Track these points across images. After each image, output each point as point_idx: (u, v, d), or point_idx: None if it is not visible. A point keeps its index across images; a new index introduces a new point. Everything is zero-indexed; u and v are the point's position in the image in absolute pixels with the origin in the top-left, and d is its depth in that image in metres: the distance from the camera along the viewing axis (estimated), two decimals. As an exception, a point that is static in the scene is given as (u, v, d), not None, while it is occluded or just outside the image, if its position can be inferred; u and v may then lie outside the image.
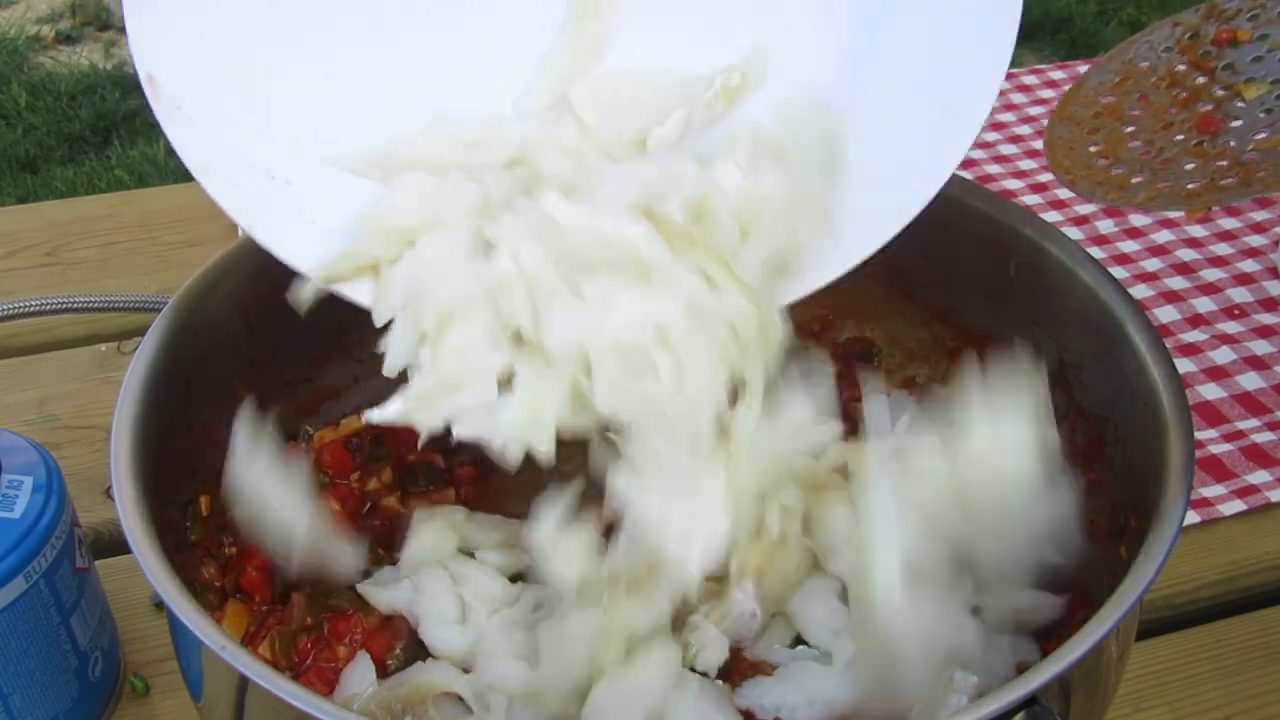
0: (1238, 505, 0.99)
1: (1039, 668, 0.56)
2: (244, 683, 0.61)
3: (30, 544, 0.74)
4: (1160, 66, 0.78)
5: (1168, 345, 0.74)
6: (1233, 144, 0.71)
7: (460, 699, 0.71)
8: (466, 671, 0.72)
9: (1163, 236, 1.29)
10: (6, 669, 0.76)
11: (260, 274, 0.84)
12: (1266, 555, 0.96)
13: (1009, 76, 1.59)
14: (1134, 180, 0.72)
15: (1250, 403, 1.09)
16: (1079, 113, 0.79)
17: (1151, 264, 1.26)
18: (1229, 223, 1.32)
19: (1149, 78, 0.78)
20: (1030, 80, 1.58)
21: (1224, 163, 0.70)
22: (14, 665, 0.76)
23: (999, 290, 0.87)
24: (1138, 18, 3.72)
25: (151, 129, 3.16)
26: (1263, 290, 1.22)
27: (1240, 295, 1.21)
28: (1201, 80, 0.76)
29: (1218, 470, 1.02)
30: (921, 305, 0.93)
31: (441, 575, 0.77)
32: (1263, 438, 1.05)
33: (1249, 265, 1.25)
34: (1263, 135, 0.70)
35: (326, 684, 0.74)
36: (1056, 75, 1.60)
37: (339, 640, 0.75)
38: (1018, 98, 1.55)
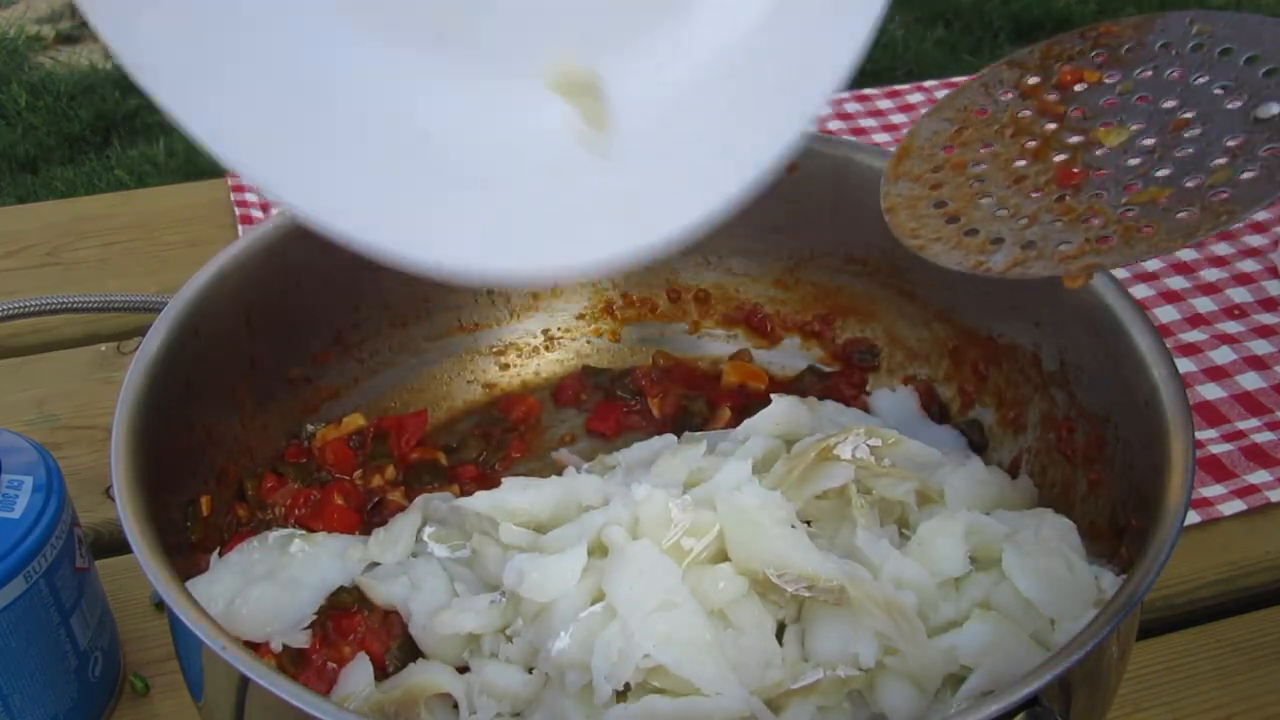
0: (1238, 505, 0.99)
1: (1040, 668, 0.56)
2: (244, 683, 0.61)
3: (30, 544, 0.74)
4: (1002, 114, 0.70)
5: (1168, 345, 0.74)
6: (1103, 197, 0.63)
7: (452, 704, 0.71)
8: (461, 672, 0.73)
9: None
10: (6, 669, 0.76)
11: (260, 274, 0.84)
12: (1266, 555, 0.97)
13: (1009, 76, 1.59)
14: (992, 244, 0.64)
15: (1250, 403, 1.09)
16: (916, 168, 0.69)
17: (1151, 264, 1.26)
18: (1229, 223, 1.32)
19: (990, 126, 0.69)
20: (1030, 80, 1.58)
21: (1097, 220, 0.62)
22: (14, 665, 0.76)
23: (999, 290, 0.87)
24: (1138, 18, 3.72)
25: (151, 129, 3.17)
26: (1263, 290, 1.22)
27: (1240, 295, 1.21)
28: (1051, 127, 0.67)
29: (1218, 470, 1.02)
30: (921, 305, 0.93)
31: (437, 568, 0.77)
32: (1263, 438, 1.05)
33: (1249, 265, 1.25)
34: (1138, 187, 0.62)
35: (326, 684, 0.74)
36: (1056, 75, 1.60)
37: (343, 639, 0.75)
38: (1018, 98, 1.55)
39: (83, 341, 1.18)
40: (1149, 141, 0.64)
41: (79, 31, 3.77)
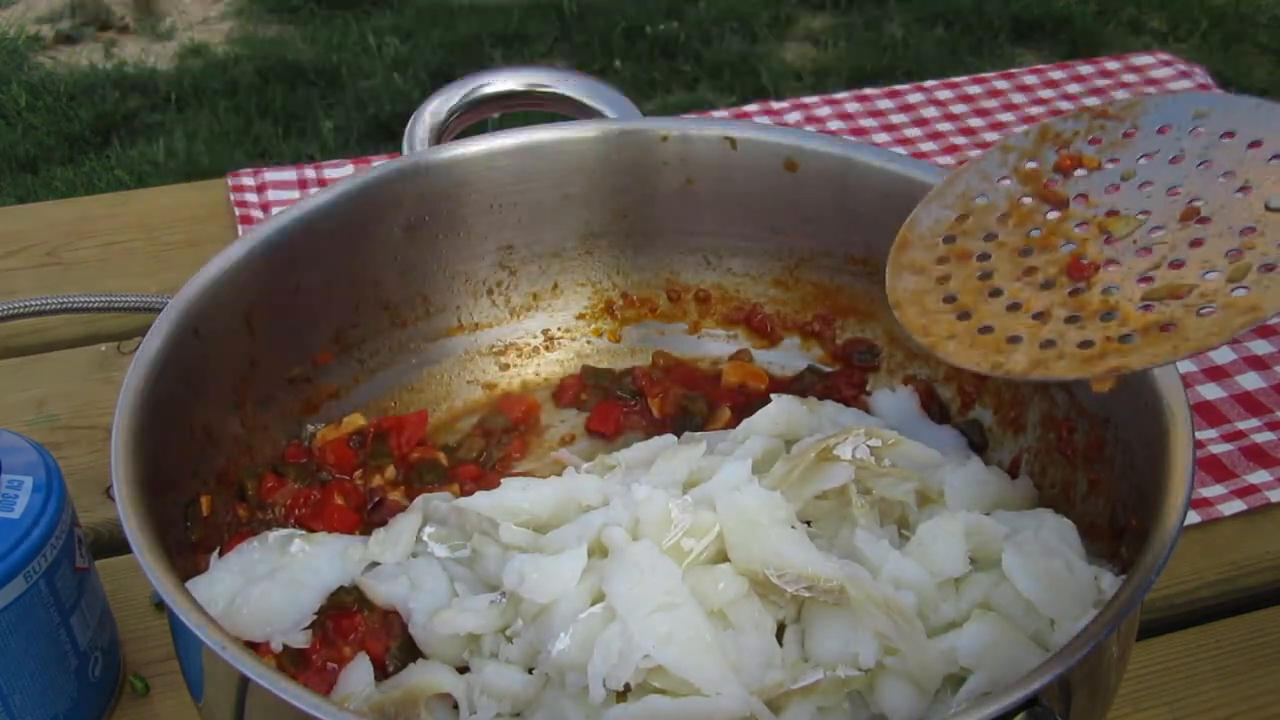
0: (1238, 505, 0.99)
1: (1040, 668, 0.56)
2: (244, 683, 0.61)
3: (30, 544, 0.74)
4: (1001, 201, 0.67)
5: (1168, 345, 0.73)
6: (1119, 292, 0.61)
7: (452, 704, 0.71)
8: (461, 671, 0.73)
9: None
10: (6, 669, 0.76)
11: (260, 274, 0.84)
12: (1266, 555, 0.97)
13: (1009, 76, 1.59)
14: (1009, 342, 0.61)
15: (1250, 403, 1.09)
16: (920, 258, 0.67)
17: (1151, 264, 1.26)
18: (1229, 223, 1.32)
19: (991, 214, 0.67)
20: (1030, 80, 1.58)
21: (1115, 317, 0.60)
22: (14, 665, 0.76)
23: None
24: (1137, 18, 3.72)
25: (151, 129, 3.17)
26: (1263, 290, 1.22)
27: (1240, 295, 1.21)
28: (1053, 215, 0.65)
29: (1218, 470, 1.02)
30: (922, 305, 0.93)
31: (437, 568, 0.77)
32: (1263, 438, 1.05)
33: (1249, 265, 1.25)
34: (1154, 281, 0.60)
35: (326, 684, 0.74)
36: (1056, 75, 1.60)
37: (343, 639, 0.75)
38: (1018, 98, 1.55)
39: (83, 341, 1.18)
40: (1158, 232, 0.62)
41: (79, 31, 3.77)
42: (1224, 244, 0.60)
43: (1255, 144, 0.62)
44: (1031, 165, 0.68)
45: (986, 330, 0.63)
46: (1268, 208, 0.60)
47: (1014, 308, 0.63)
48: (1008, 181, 0.68)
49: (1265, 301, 0.57)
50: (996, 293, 0.64)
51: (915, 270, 0.67)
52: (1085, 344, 0.60)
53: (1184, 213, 0.62)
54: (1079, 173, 0.67)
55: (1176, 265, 0.61)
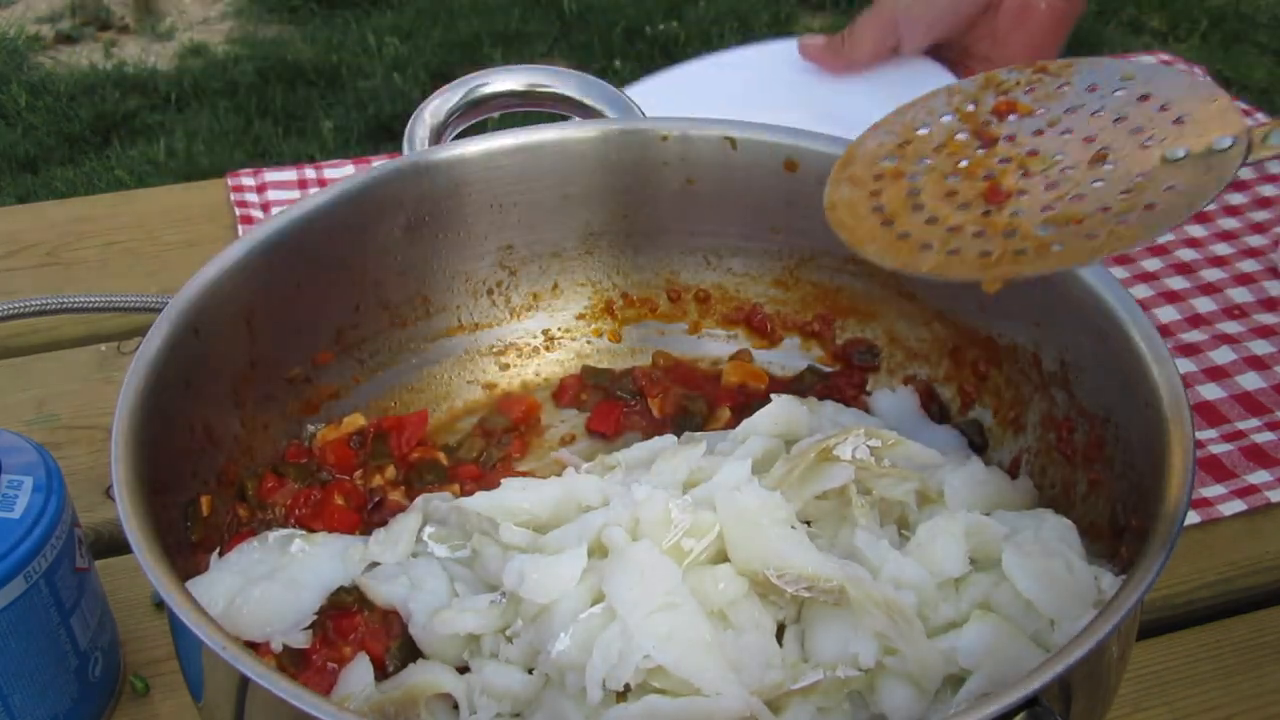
0: (1238, 505, 0.99)
1: (1040, 668, 0.56)
2: (244, 683, 0.61)
3: (30, 544, 0.74)
4: (939, 134, 0.75)
5: (1168, 345, 0.74)
6: (1024, 215, 0.68)
7: (452, 704, 0.71)
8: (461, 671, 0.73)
9: (1163, 237, 1.29)
10: (6, 669, 0.76)
11: (260, 274, 0.84)
12: (1266, 555, 0.97)
13: (1009, 76, 1.59)
14: (921, 249, 0.69)
15: (1250, 403, 1.09)
16: (859, 173, 0.75)
17: (1151, 264, 1.26)
18: (1229, 223, 1.32)
19: (929, 143, 0.75)
20: (1030, 80, 1.58)
21: (1014, 234, 0.67)
22: (14, 665, 0.76)
23: (999, 290, 0.87)
24: (1137, 17, 3.72)
25: (151, 129, 3.17)
26: (1263, 290, 1.22)
27: (1240, 295, 1.21)
28: (982, 151, 0.73)
29: (1218, 470, 1.02)
30: (921, 305, 0.93)
31: (437, 568, 0.77)
32: (1263, 438, 1.05)
33: (1249, 265, 1.25)
34: (1056, 209, 0.67)
35: (326, 684, 0.74)
36: (1056, 75, 1.60)
37: (343, 639, 0.75)
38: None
39: (83, 341, 1.18)
40: (1069, 171, 0.69)
41: (79, 31, 3.77)
42: (1120, 185, 0.67)
43: (1165, 107, 0.69)
44: (971, 107, 0.75)
45: (904, 236, 0.70)
46: (1164, 159, 0.67)
47: (932, 221, 0.70)
48: (949, 118, 0.75)
49: (1141, 233, 0.64)
50: (919, 208, 0.72)
51: (853, 183, 0.74)
52: (985, 254, 0.68)
53: (1093, 156, 0.69)
54: (1011, 117, 0.74)
55: (1078, 198, 0.68)
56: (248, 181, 1.37)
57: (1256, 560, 0.96)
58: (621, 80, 1.30)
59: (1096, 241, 0.65)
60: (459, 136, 1.02)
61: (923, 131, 0.75)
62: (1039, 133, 0.72)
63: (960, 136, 0.74)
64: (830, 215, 0.73)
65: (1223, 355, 1.13)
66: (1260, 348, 1.14)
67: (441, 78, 3.12)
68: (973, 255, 0.68)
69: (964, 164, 0.72)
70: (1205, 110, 0.68)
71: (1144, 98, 0.70)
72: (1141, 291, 1.21)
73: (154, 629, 0.90)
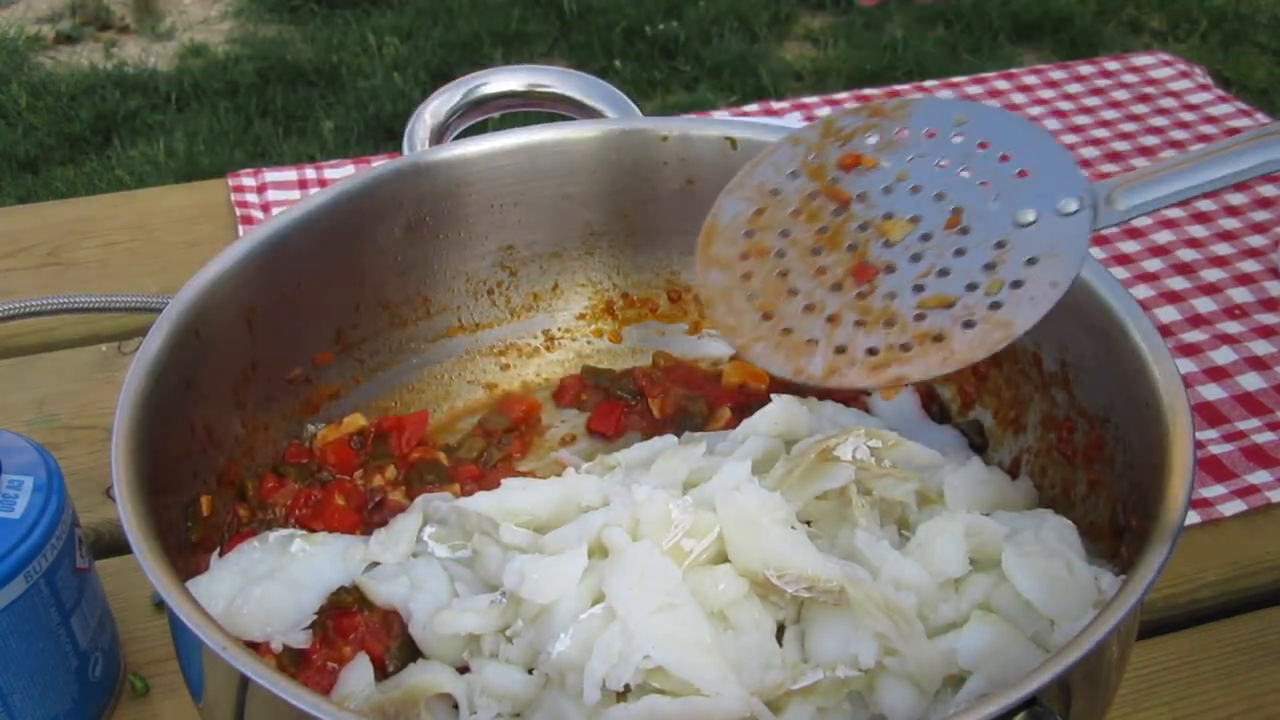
0: (1238, 505, 0.99)
1: (1040, 668, 0.56)
2: (244, 683, 0.61)
3: (30, 544, 0.74)
4: (793, 196, 0.72)
5: (1168, 345, 0.74)
6: (897, 298, 0.67)
7: (452, 704, 0.71)
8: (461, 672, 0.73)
9: (1163, 237, 1.30)
10: (6, 669, 0.76)
11: (260, 274, 0.84)
12: (1266, 555, 0.97)
13: (1009, 76, 1.59)
14: (807, 343, 0.67)
15: (1250, 403, 1.09)
16: (724, 254, 0.72)
17: (1151, 264, 1.26)
18: (1229, 223, 1.32)
19: (785, 208, 0.72)
20: (1030, 80, 1.59)
21: (894, 324, 0.66)
22: (14, 665, 0.76)
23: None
24: (1137, 18, 3.72)
25: (151, 129, 3.17)
26: (1263, 290, 1.22)
27: (1240, 295, 1.21)
28: (835, 216, 0.70)
29: (1218, 470, 1.02)
30: (922, 305, 0.93)
31: (437, 568, 0.77)
32: (1263, 438, 1.05)
33: (1249, 265, 1.25)
34: (926, 290, 0.66)
35: (326, 684, 0.74)
36: (1057, 75, 1.60)
37: (343, 639, 0.75)
38: (1018, 98, 1.55)
39: (83, 341, 1.18)
40: (928, 242, 0.69)
41: (79, 31, 3.77)
42: (982, 256, 0.67)
43: (1005, 157, 0.69)
44: (817, 161, 0.73)
45: (788, 332, 0.68)
46: (1015, 223, 0.67)
47: (810, 309, 0.69)
48: (800, 179, 0.73)
49: (1017, 320, 0.64)
50: (794, 292, 0.70)
51: (722, 266, 0.72)
52: (872, 350, 0.66)
53: (949, 220, 0.68)
54: (858, 170, 0.72)
55: (944, 274, 0.67)
56: (248, 181, 1.37)
57: (1257, 560, 0.96)
58: (622, 80, 1.29)
59: (977, 332, 0.64)
60: (459, 136, 1.02)
61: (776, 194, 0.73)
62: (888, 189, 0.71)
63: (814, 198, 0.72)
64: (710, 314, 0.71)
65: (1223, 355, 1.13)
66: (1260, 348, 1.14)
67: (441, 78, 3.12)
68: (860, 354, 0.66)
69: (824, 231, 0.71)
70: (1046, 164, 0.68)
71: (983, 144, 0.70)
72: (1141, 291, 1.21)
73: (154, 629, 0.90)
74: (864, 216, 0.70)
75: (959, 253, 0.67)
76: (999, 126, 0.70)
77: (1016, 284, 0.65)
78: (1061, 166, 0.68)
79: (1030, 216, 0.67)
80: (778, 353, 0.68)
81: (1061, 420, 0.83)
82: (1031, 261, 0.65)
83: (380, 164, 0.92)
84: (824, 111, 1.52)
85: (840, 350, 0.67)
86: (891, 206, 0.70)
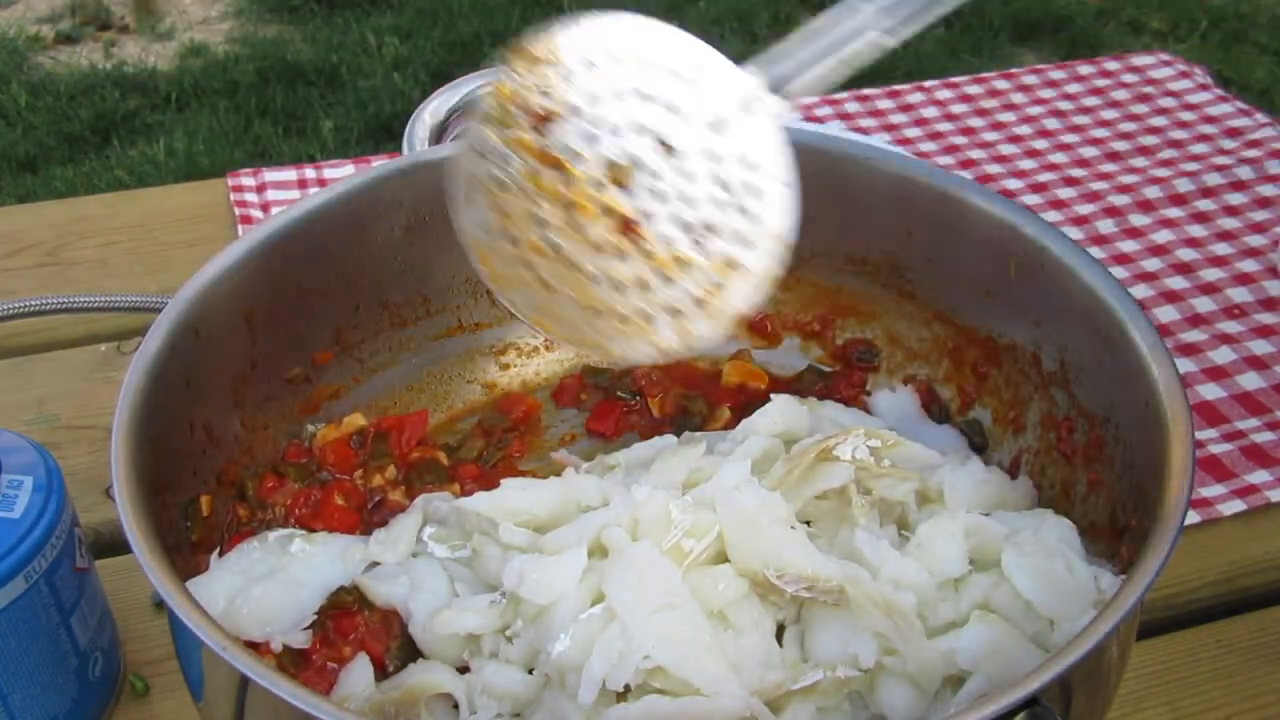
0: (1238, 505, 0.99)
1: (1040, 668, 0.56)
2: (244, 683, 0.61)
3: (30, 544, 0.74)
4: (518, 179, 0.68)
5: (1168, 345, 0.74)
6: (676, 245, 0.67)
7: (452, 704, 0.71)
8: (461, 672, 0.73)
9: (1162, 236, 1.30)
10: (6, 669, 0.76)
11: (260, 274, 0.84)
12: (1266, 555, 0.97)
13: (1009, 76, 1.59)
14: (645, 319, 0.68)
15: (1250, 403, 1.09)
16: (509, 271, 0.70)
17: (1151, 264, 1.26)
18: (1229, 223, 1.32)
19: (523, 201, 0.68)
20: (1030, 80, 1.58)
21: (690, 266, 0.67)
22: (14, 665, 0.76)
23: (999, 290, 0.87)
24: (1137, 18, 3.72)
25: (151, 129, 3.17)
26: (1263, 290, 1.22)
27: (1240, 295, 1.21)
28: (567, 185, 0.68)
29: (1218, 470, 1.02)
30: (921, 305, 0.93)
31: (437, 568, 0.77)
32: (1263, 438, 1.05)
33: (1249, 265, 1.25)
34: (693, 231, 0.67)
35: (326, 684, 0.74)
36: (1056, 75, 1.60)
37: (343, 639, 0.75)
38: (1018, 98, 1.55)
39: (83, 341, 1.18)
40: (656, 172, 0.68)
41: (79, 31, 3.77)
42: (707, 174, 0.67)
43: (671, 72, 0.69)
44: (514, 134, 0.69)
45: (625, 320, 0.69)
46: (714, 132, 0.67)
47: (619, 288, 0.68)
48: (512, 160, 0.70)
49: (772, 220, 0.67)
50: (595, 279, 0.69)
51: (518, 285, 0.69)
52: (698, 300, 0.67)
53: (659, 149, 0.68)
54: (554, 126, 0.69)
55: (690, 202, 0.67)
56: (248, 181, 1.37)
57: (1256, 560, 0.96)
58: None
59: (754, 254, 0.67)
60: (459, 136, 1.02)
61: (504, 187, 0.69)
62: (591, 138, 0.68)
63: (540, 176, 0.69)
64: (557, 337, 0.70)
65: (1223, 355, 1.13)
66: (1260, 348, 1.14)
67: (441, 78, 3.10)
68: (690, 307, 0.67)
69: (571, 205, 0.68)
70: (706, 71, 0.68)
71: (643, 66, 0.69)
72: (1141, 291, 1.21)
73: (154, 629, 0.90)
74: (590, 174, 0.68)
75: (687, 177, 0.67)
76: (648, 43, 0.70)
77: (753, 189, 0.66)
78: (719, 68, 0.69)
79: (722, 123, 0.68)
80: (633, 342, 0.68)
81: (1061, 420, 0.83)
82: (749, 165, 0.66)
83: (380, 164, 0.92)
84: (824, 111, 1.52)
85: (676, 312, 0.67)
86: (605, 153, 0.68)
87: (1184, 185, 1.36)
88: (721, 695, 0.65)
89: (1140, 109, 1.52)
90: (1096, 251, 1.25)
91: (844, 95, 1.56)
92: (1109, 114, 1.52)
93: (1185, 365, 1.12)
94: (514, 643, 0.71)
